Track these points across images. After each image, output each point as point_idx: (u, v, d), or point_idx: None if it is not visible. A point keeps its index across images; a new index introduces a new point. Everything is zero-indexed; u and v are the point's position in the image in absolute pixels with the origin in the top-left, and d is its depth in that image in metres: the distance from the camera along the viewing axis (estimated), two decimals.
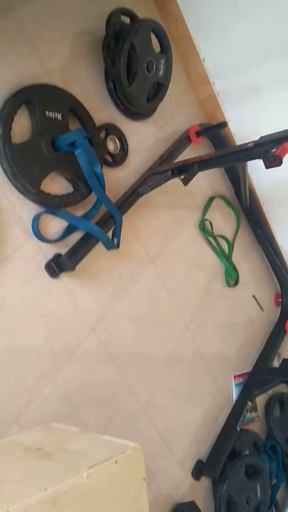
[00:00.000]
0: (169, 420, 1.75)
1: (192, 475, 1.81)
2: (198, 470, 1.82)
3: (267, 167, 1.23)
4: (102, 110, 1.60)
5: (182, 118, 1.93)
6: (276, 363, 2.28)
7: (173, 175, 1.55)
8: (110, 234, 1.50)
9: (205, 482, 1.86)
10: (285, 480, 2.22)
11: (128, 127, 1.68)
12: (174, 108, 1.89)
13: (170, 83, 1.73)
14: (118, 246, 1.49)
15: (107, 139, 1.58)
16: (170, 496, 1.72)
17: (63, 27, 1.50)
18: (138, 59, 1.52)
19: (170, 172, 1.55)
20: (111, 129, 1.59)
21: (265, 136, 1.33)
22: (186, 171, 1.51)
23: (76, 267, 1.40)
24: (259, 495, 1.96)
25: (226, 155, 1.42)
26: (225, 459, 1.85)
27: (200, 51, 1.85)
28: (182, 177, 1.47)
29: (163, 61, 1.63)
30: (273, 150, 1.23)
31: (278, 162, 1.21)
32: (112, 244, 1.47)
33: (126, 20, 1.57)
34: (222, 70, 1.87)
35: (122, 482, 1.03)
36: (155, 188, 1.58)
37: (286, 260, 2.32)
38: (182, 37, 1.83)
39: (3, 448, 1.17)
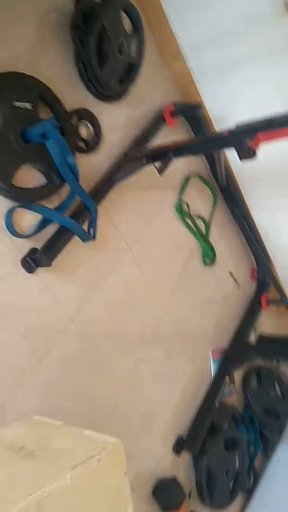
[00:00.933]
0: (149, 401, 1.79)
1: (173, 451, 1.88)
2: (179, 446, 1.88)
3: (241, 159, 1.22)
4: (73, 94, 1.54)
5: (156, 96, 1.88)
6: (252, 337, 2.34)
7: (148, 162, 1.52)
8: (86, 224, 1.49)
9: (185, 457, 1.94)
10: (261, 448, 2.32)
11: (101, 109, 1.63)
12: (147, 87, 1.83)
13: (143, 60, 1.67)
14: (94, 237, 1.47)
15: (79, 124, 1.53)
16: (152, 472, 1.78)
17: (27, 5, 1.41)
18: (109, 41, 1.46)
19: (144, 158, 1.52)
20: (83, 114, 1.54)
21: (240, 124, 1.31)
22: (161, 157, 1.49)
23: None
24: (237, 465, 2.05)
25: (201, 144, 1.40)
26: (204, 434, 1.92)
27: (173, 26, 1.78)
28: (157, 166, 1.44)
29: (135, 40, 1.57)
30: (248, 141, 1.22)
31: (252, 155, 1.20)
32: (88, 236, 1.45)
33: None
34: (195, 46, 1.81)
35: (105, 478, 1.06)
36: (130, 175, 1.55)
37: (262, 237, 2.33)
38: (154, 12, 1.75)
39: None
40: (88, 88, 1.56)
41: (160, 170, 1.43)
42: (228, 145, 1.32)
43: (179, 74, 1.90)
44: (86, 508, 1.01)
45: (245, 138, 1.24)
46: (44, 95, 1.37)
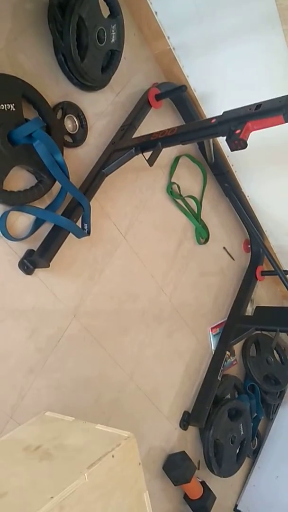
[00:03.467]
0: (155, 381, 1.85)
1: (180, 426, 1.96)
2: (185, 421, 1.96)
3: (232, 150, 1.21)
4: (56, 87, 1.50)
5: (139, 78, 1.84)
6: (249, 309, 2.39)
7: (137, 152, 1.51)
8: (79, 220, 1.49)
9: (192, 431, 2.02)
10: (264, 413, 2.42)
11: (85, 99, 1.60)
12: (130, 69, 1.79)
13: (123, 45, 1.63)
14: (89, 233, 1.48)
15: (65, 118, 1.51)
16: (162, 449, 1.86)
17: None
18: (87, 31, 1.41)
19: (133, 149, 1.51)
20: (68, 108, 1.51)
21: (228, 111, 1.30)
22: (150, 147, 1.47)
23: None
24: (242, 432, 2.14)
25: (190, 133, 1.39)
26: (209, 408, 2.00)
27: (152, 5, 1.72)
28: (147, 156, 1.43)
29: (114, 26, 1.52)
30: (237, 131, 1.21)
31: (243, 145, 1.20)
32: (83, 232, 1.45)
33: None
34: (176, 24, 1.76)
35: (120, 472, 1.11)
36: (120, 166, 1.54)
37: (253, 209, 2.35)
38: None
39: (2, 449, 1.23)
40: (70, 79, 1.52)
41: (150, 161, 1.42)
42: (217, 134, 1.31)
43: (160, 53, 1.86)
44: (105, 502, 1.06)
45: (234, 128, 1.23)
46: (27, 94, 1.34)
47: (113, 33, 1.52)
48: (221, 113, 1.32)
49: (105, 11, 1.52)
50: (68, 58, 1.42)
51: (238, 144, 1.20)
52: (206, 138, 1.35)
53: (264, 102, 1.22)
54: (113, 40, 1.53)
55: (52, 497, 0.96)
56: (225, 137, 1.26)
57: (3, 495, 1.01)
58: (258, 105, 1.23)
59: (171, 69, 1.89)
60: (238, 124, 1.23)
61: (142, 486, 1.18)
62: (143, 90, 1.83)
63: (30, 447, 1.20)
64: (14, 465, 1.14)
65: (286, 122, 1.18)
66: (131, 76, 1.81)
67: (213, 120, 1.32)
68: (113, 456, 1.09)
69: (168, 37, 1.80)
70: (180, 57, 1.85)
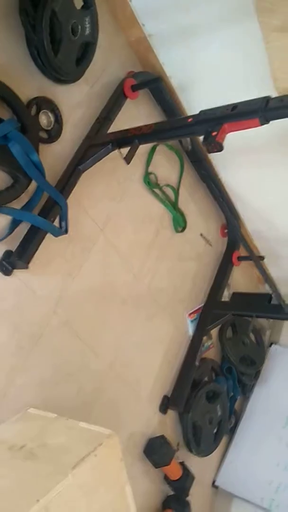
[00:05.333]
0: (134, 369, 1.90)
1: (160, 410, 2.02)
2: (165, 406, 2.03)
3: (209, 153, 1.22)
4: (29, 81, 1.47)
5: (115, 66, 1.80)
6: (226, 294, 2.44)
7: (113, 148, 1.50)
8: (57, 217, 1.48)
9: (172, 414, 2.09)
10: (240, 393, 2.51)
11: (59, 92, 1.57)
12: (104, 58, 1.75)
13: (98, 36, 1.59)
14: (66, 231, 1.48)
15: (39, 114, 1.48)
16: (142, 433, 1.93)
17: None
18: (61, 25, 1.37)
19: (110, 145, 1.50)
20: (42, 103, 1.48)
21: (204, 111, 1.30)
22: (127, 143, 1.47)
23: None
24: (219, 413, 2.22)
25: (166, 131, 1.38)
26: (187, 392, 2.06)
27: None
28: (124, 153, 1.43)
29: (88, 18, 1.48)
30: (214, 133, 1.21)
31: (220, 148, 1.20)
32: (60, 231, 1.45)
33: None
34: (151, 11, 1.72)
35: (103, 469, 1.16)
36: (96, 163, 1.53)
37: (230, 195, 2.37)
38: None
39: None
40: (44, 72, 1.48)
41: (128, 159, 1.42)
42: (194, 133, 1.31)
43: (135, 41, 1.82)
44: (89, 499, 1.11)
45: (211, 129, 1.23)
46: (0, 92, 1.31)
47: (87, 25, 1.49)
48: (197, 112, 1.32)
49: (78, 2, 1.48)
50: (42, 53, 1.38)
51: (214, 146, 1.20)
52: (183, 137, 1.35)
53: (240, 103, 1.23)
54: (87, 32, 1.50)
55: (38, 500, 0.99)
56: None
57: None
58: (234, 106, 1.23)
59: (147, 57, 1.86)
60: (214, 125, 1.24)
61: (124, 480, 1.23)
62: (118, 78, 1.80)
63: (14, 447, 1.23)
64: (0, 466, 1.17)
65: (261, 125, 1.19)
66: (106, 65, 1.77)
67: (190, 119, 1.32)
68: (95, 456, 1.13)
69: (143, 24, 1.77)
70: (155, 45, 1.82)
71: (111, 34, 1.77)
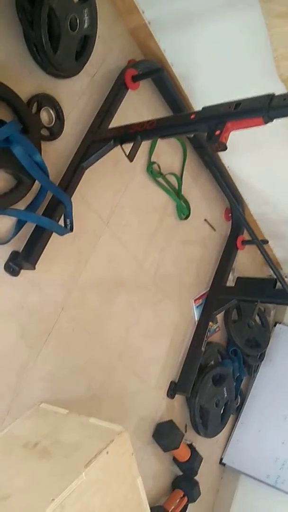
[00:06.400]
0: (142, 358, 1.94)
1: (168, 395, 2.07)
2: (172, 391, 2.08)
3: (213, 152, 1.21)
4: (29, 79, 1.45)
5: (115, 55, 1.77)
6: (231, 278, 2.46)
7: (116, 144, 1.49)
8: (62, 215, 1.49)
9: (179, 398, 2.14)
10: (246, 373, 2.56)
11: (59, 87, 1.55)
12: (105, 47, 1.72)
13: (97, 28, 1.56)
14: (72, 229, 1.48)
15: (41, 111, 1.47)
16: (151, 418, 1.98)
17: None
18: (59, 21, 1.35)
19: (112, 141, 1.49)
20: (43, 100, 1.46)
21: (207, 107, 1.28)
22: (129, 139, 1.46)
23: None
24: (226, 395, 2.27)
25: (169, 128, 1.37)
26: (194, 376, 2.11)
27: None
28: (126, 151, 1.42)
29: (86, 10, 1.44)
30: (217, 132, 1.20)
31: (224, 148, 1.20)
32: (65, 230, 1.46)
33: None
34: None
35: (115, 465, 1.20)
36: (99, 159, 1.53)
37: (233, 179, 2.35)
38: None
39: (2, 446, 1.30)
40: (43, 68, 1.46)
41: (130, 157, 1.41)
42: (197, 130, 1.30)
43: (135, 28, 1.78)
44: (102, 494, 1.16)
45: (214, 127, 1.22)
46: (0, 94, 1.30)
47: (86, 18, 1.45)
48: (200, 104, 1.31)
49: None
50: (40, 50, 1.36)
51: (218, 146, 1.19)
52: (186, 134, 1.34)
53: (244, 100, 1.21)
54: (86, 25, 1.47)
55: (53, 499, 1.04)
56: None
57: (7, 497, 1.09)
58: (237, 103, 1.22)
59: (147, 44, 1.82)
60: (217, 123, 1.22)
61: (135, 473, 1.27)
62: (119, 68, 1.77)
63: (28, 444, 1.27)
64: (15, 464, 1.21)
65: (265, 123, 1.18)
66: (106, 54, 1.74)
67: (193, 116, 1.31)
68: (107, 453, 1.18)
69: (143, 11, 1.72)
70: (155, 32, 1.78)
71: (110, 22, 1.73)
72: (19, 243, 1.41)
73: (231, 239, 2.47)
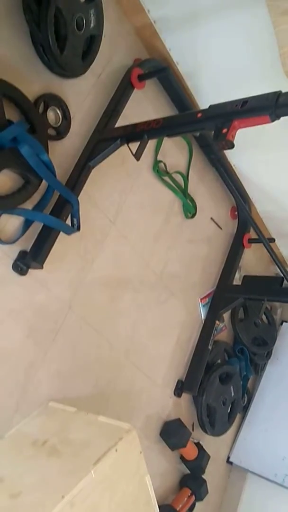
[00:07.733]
0: (149, 356, 1.94)
1: (175, 394, 2.07)
2: (179, 390, 2.08)
3: (220, 151, 1.21)
4: (36, 79, 1.46)
5: (121, 54, 1.78)
6: (237, 277, 2.46)
7: (122, 143, 1.50)
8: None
9: (186, 397, 2.14)
10: (253, 372, 2.55)
11: (66, 87, 1.55)
12: (110, 46, 1.72)
13: (103, 28, 1.56)
14: (79, 228, 1.49)
15: (47, 111, 1.47)
16: (158, 417, 1.99)
17: None
18: (66, 21, 1.35)
19: (119, 140, 1.49)
20: (49, 100, 1.47)
21: (214, 106, 1.28)
22: (136, 138, 1.46)
23: None
24: (233, 394, 2.27)
25: (175, 126, 1.37)
26: (201, 375, 2.11)
27: None
28: (133, 150, 1.42)
29: (92, 10, 1.45)
30: (224, 130, 1.20)
31: (231, 146, 1.20)
32: (72, 229, 1.46)
33: None
34: None
35: (123, 463, 1.21)
36: (105, 158, 1.53)
37: (239, 177, 2.35)
38: None
39: (12, 444, 1.31)
40: (50, 68, 1.47)
41: (137, 155, 1.41)
42: (203, 129, 1.30)
43: (141, 27, 1.78)
44: (111, 492, 1.16)
45: (221, 125, 1.22)
46: (7, 93, 1.30)
47: (92, 18, 1.46)
48: (206, 101, 1.31)
49: None
50: (47, 50, 1.36)
51: (225, 145, 1.19)
52: (193, 133, 1.34)
53: (251, 98, 1.20)
54: (92, 25, 1.47)
55: (63, 496, 1.04)
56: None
57: (18, 495, 1.09)
58: (244, 101, 1.21)
59: (153, 43, 1.83)
60: (224, 121, 1.23)
61: (143, 471, 1.28)
62: (125, 67, 1.77)
63: (37, 442, 1.28)
64: (24, 462, 1.22)
65: (272, 121, 1.18)
66: (112, 54, 1.74)
67: (199, 114, 1.31)
68: (116, 451, 1.18)
69: (148, 10, 1.72)
70: (161, 31, 1.78)
71: (116, 21, 1.74)
72: (26, 242, 1.42)
73: (237, 238, 2.47)
